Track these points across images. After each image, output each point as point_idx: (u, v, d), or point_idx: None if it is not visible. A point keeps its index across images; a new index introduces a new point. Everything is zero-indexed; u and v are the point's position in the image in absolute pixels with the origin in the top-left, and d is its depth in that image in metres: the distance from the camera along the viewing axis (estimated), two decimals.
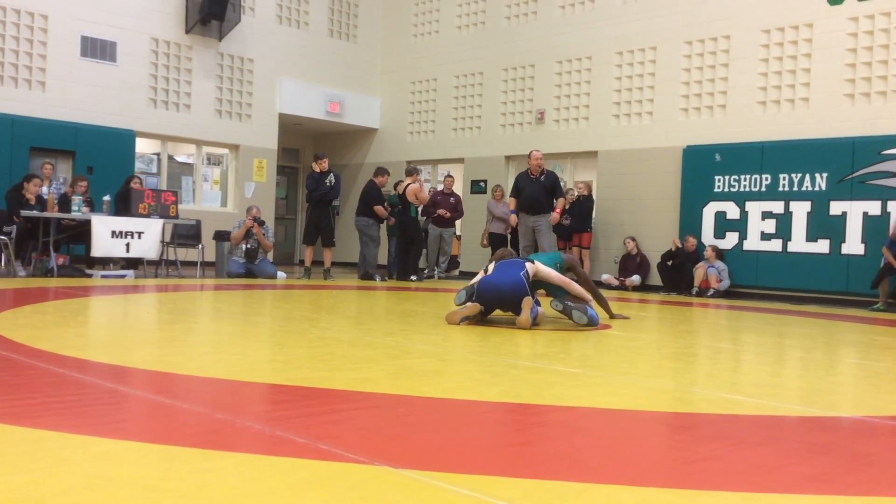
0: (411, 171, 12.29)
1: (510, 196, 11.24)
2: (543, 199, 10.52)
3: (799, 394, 3.77)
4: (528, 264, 6.00)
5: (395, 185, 12.69)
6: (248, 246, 11.15)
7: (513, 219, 11.14)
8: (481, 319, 5.97)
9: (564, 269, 6.34)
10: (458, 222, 14.22)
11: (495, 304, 5.94)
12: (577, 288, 6.15)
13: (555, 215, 10.83)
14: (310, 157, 16.20)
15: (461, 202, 13.60)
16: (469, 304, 5.88)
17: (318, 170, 11.46)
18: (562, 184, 11.37)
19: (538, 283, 6.08)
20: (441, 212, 13.00)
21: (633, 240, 12.36)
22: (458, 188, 14.73)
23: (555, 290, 6.15)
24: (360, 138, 17.01)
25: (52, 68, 12.39)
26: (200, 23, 13.74)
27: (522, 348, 4.84)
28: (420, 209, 12.62)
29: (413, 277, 11.96)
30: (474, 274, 6.53)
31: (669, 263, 11.86)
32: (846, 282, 10.44)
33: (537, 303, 5.99)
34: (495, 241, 12.95)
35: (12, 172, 11.32)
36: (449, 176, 13.70)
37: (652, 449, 2.56)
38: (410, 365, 3.99)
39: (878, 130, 10.34)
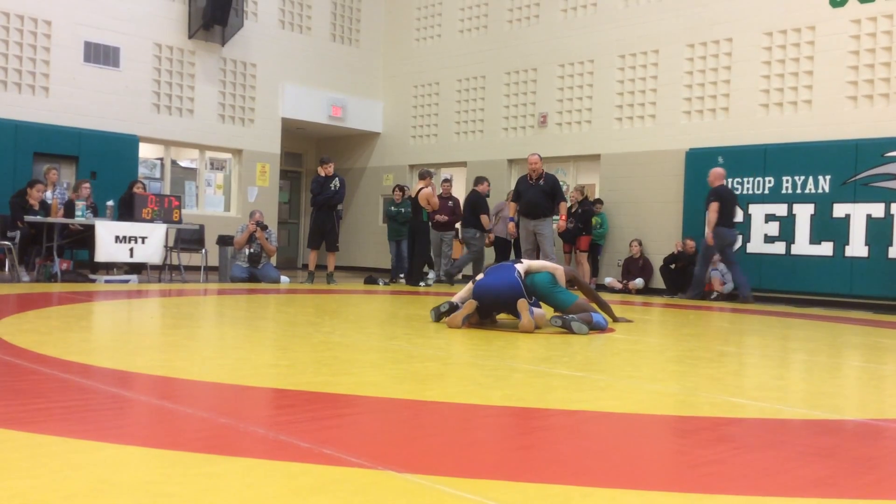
0: (424, 174, 12.32)
1: (510, 201, 11.24)
2: (543, 203, 10.52)
3: (803, 397, 3.76)
4: (517, 265, 6.02)
5: (395, 190, 12.72)
6: (252, 250, 11.17)
7: (511, 227, 11.16)
8: (480, 322, 5.97)
9: (566, 281, 6.31)
10: (458, 225, 14.21)
11: (492, 306, 5.94)
12: (562, 272, 6.17)
13: (561, 223, 10.81)
14: (313, 161, 16.24)
15: (460, 205, 13.62)
16: (468, 302, 5.87)
17: (323, 174, 11.47)
18: (564, 187, 11.37)
19: (532, 290, 6.04)
20: (440, 217, 13.01)
21: (639, 243, 12.35)
22: (461, 192, 14.71)
23: (549, 300, 6.10)
24: (363, 142, 17.03)
25: (56, 74, 12.42)
26: (203, 28, 13.77)
27: (525, 352, 4.83)
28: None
29: (421, 284, 11.97)
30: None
31: (672, 266, 11.85)
32: (850, 284, 10.42)
33: (536, 304, 5.98)
34: (499, 245, 12.99)
35: (16, 178, 11.34)
36: (446, 180, 13.71)
37: (656, 452, 2.55)
38: (414, 369, 3.99)
39: (881, 133, 10.33)
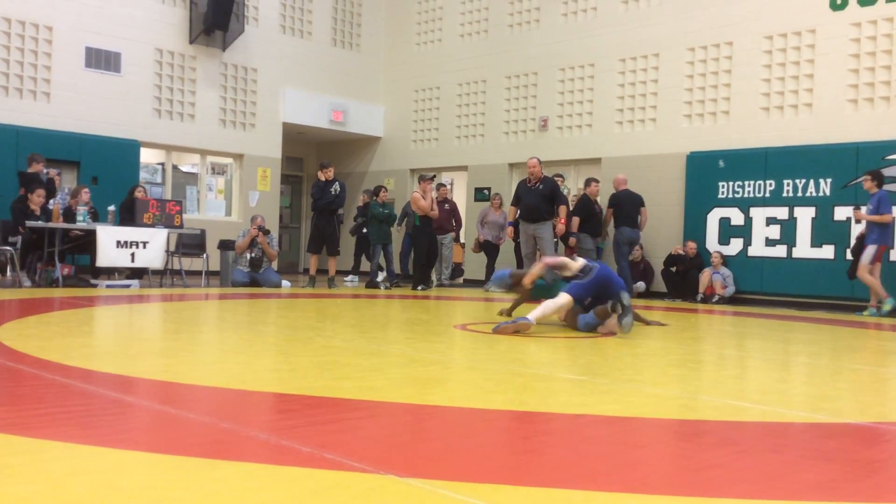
0: (421, 178, 12.31)
1: (511, 205, 11.23)
2: (542, 207, 10.51)
3: (805, 400, 3.76)
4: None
5: (381, 191, 12.66)
6: (253, 255, 11.17)
7: (509, 231, 11.14)
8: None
9: None
10: (462, 230, 14.21)
11: (605, 295, 6.07)
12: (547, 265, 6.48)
13: (560, 227, 10.78)
14: (313, 165, 16.24)
15: (457, 209, 13.60)
16: (566, 301, 5.96)
17: (323, 178, 11.48)
18: (564, 191, 11.38)
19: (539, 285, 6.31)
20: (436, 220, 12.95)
21: (640, 247, 12.35)
22: (462, 196, 14.69)
23: (552, 293, 6.21)
24: (364, 147, 17.04)
25: (57, 79, 12.44)
26: (204, 33, 13.80)
27: (527, 356, 4.83)
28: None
29: (420, 287, 11.87)
30: (480, 282, 6.58)
31: (674, 270, 11.85)
32: (851, 287, 10.41)
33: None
34: (488, 249, 13.01)
35: (17, 183, 11.33)
36: (442, 185, 13.67)
37: (658, 456, 2.55)
38: (416, 373, 3.99)
39: (881, 135, 10.33)
